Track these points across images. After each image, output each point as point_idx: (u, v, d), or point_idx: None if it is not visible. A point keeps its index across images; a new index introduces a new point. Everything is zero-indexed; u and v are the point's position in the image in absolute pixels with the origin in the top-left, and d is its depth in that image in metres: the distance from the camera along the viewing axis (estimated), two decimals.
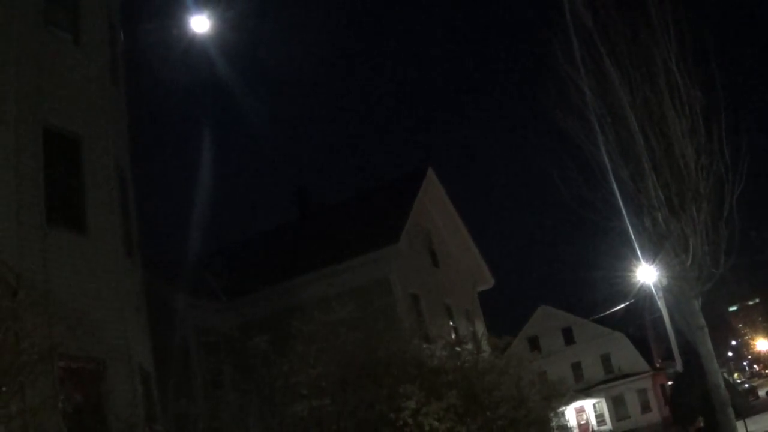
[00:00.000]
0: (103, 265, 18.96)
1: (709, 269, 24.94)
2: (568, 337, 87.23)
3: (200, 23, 24.12)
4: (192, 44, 25.47)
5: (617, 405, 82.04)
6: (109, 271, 19.15)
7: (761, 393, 77.99)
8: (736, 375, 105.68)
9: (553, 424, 28.23)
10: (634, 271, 35.03)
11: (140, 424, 17.53)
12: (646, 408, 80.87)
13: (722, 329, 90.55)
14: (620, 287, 36.96)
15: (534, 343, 79.78)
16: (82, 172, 19.15)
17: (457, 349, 25.54)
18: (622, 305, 57.61)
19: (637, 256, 28.63)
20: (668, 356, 68.29)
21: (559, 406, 29.72)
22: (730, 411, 25.21)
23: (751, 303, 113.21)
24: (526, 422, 23.41)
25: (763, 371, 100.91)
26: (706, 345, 25.26)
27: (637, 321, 72.75)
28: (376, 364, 21.23)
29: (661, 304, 41.40)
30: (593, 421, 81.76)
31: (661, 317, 44.01)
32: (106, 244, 19.28)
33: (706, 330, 25.25)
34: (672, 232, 25.13)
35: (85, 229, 18.74)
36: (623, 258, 30.62)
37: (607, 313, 68.95)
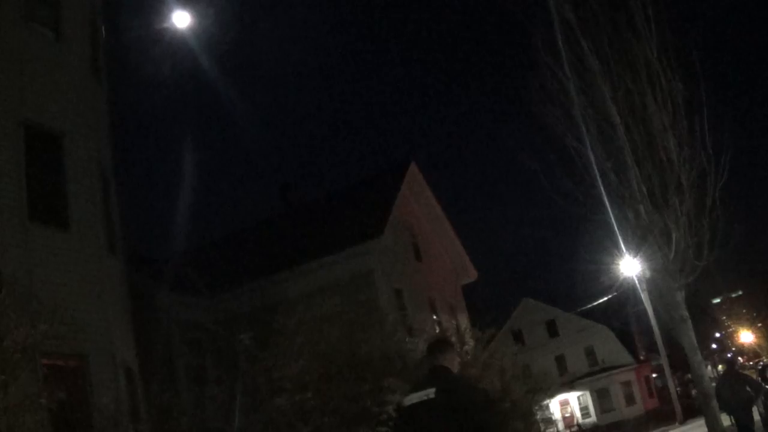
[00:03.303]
0: (86, 261, 18.95)
1: (692, 262, 25.00)
2: (552, 330, 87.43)
3: (181, 18, 24.09)
4: (174, 40, 25.43)
5: (602, 398, 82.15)
6: (92, 268, 19.13)
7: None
8: (720, 367, 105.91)
9: (538, 417, 28.31)
10: (618, 264, 35.09)
11: (124, 420, 17.50)
12: (630, 400, 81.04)
13: (706, 322, 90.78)
14: (604, 280, 37.02)
15: (518, 337, 79.82)
16: (63, 168, 19.12)
17: None
18: (606, 298, 57.75)
19: (621, 248, 28.69)
20: (652, 349, 68.54)
21: (544, 399, 29.77)
22: (715, 404, 25.27)
23: (734, 295, 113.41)
24: (510, 415, 23.45)
25: (746, 363, 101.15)
26: (689, 337, 25.31)
27: (621, 314, 72.97)
28: (360, 358, 21.24)
29: (644, 296, 41.51)
30: (578, 414, 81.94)
31: (644, 310, 44.12)
32: (88, 241, 19.25)
33: (689, 322, 25.31)
34: (655, 224, 25.18)
35: (67, 225, 18.73)
36: (607, 251, 30.64)
37: (591, 306, 69.16)
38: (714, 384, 25.83)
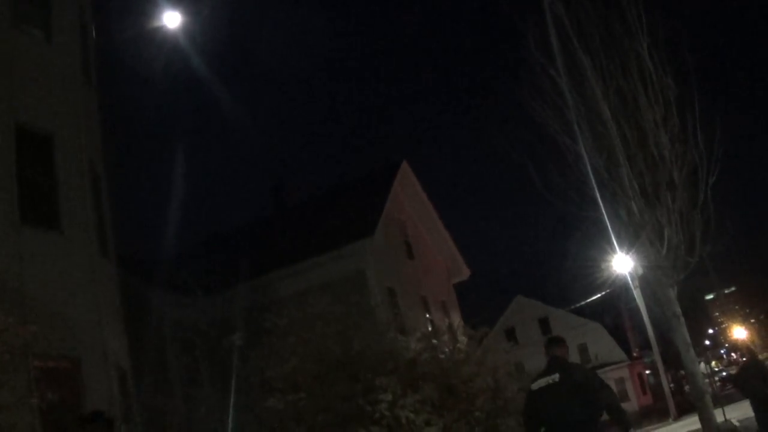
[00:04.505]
0: (78, 262, 18.93)
1: (684, 258, 25.03)
2: (545, 327, 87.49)
3: (172, 19, 24.06)
4: (164, 40, 25.40)
5: None
6: (84, 269, 19.11)
7: None
8: (714, 363, 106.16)
9: None
10: (610, 261, 35.11)
11: (117, 421, 17.47)
12: (623, 397, 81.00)
13: (699, 318, 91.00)
14: (596, 277, 37.06)
15: (511, 334, 79.95)
16: (54, 169, 19.09)
17: (434, 341, 25.56)
18: (599, 295, 57.93)
19: (613, 245, 28.69)
20: (645, 346, 68.61)
21: None
22: (708, 399, 25.31)
23: (727, 291, 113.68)
24: (503, 413, 23.45)
25: (740, 359, 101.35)
26: (681, 333, 25.33)
27: (614, 311, 73.10)
28: (352, 358, 21.25)
29: (637, 293, 41.55)
30: None
31: (637, 307, 44.14)
32: (80, 242, 19.23)
33: (682, 319, 25.32)
34: (647, 221, 25.20)
35: (59, 226, 18.70)
36: (599, 248, 30.67)
37: (584, 303, 69.33)
38: (708, 380, 25.90)
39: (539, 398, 10.65)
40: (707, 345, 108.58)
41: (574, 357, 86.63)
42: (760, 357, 29.87)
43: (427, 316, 40.04)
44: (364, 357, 21.44)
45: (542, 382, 10.69)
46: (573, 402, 10.25)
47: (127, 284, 24.97)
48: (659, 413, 61.71)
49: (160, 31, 24.58)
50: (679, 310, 25.31)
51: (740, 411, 27.65)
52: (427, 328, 34.27)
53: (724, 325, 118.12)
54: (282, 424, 20.15)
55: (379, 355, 21.96)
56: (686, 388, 52.78)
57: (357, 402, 20.21)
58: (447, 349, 24.59)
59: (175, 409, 21.81)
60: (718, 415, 26.64)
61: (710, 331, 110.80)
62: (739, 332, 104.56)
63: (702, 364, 46.86)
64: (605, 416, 10.68)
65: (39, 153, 18.87)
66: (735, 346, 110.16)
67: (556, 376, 10.56)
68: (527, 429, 11.13)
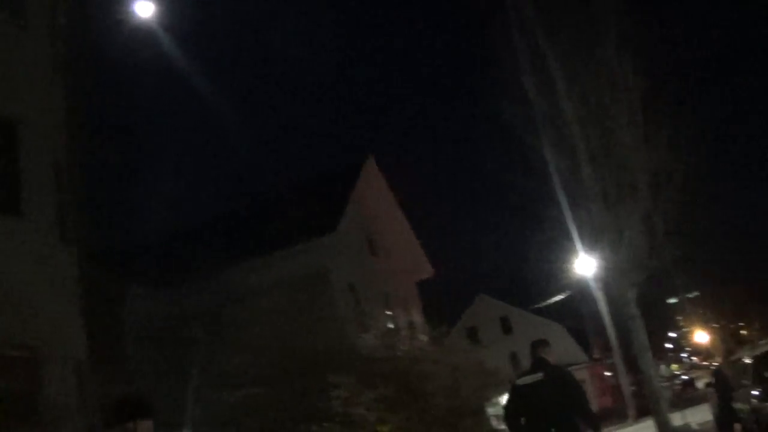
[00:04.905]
0: (38, 250, 18.79)
1: (643, 261, 25.17)
2: (507, 327, 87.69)
3: (144, 8, 23.95)
4: (137, 29, 25.27)
5: None
6: (44, 256, 18.97)
7: (699, 385, 78.93)
8: (675, 366, 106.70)
9: (490, 413, 28.33)
10: (573, 262, 35.22)
11: (74, 412, 17.39)
12: None
13: (662, 321, 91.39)
14: (560, 278, 37.20)
15: (472, 333, 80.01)
16: (17, 155, 18.98)
17: (393, 338, 25.57)
18: (560, 296, 58.06)
19: (576, 247, 28.81)
20: (608, 347, 68.89)
21: (496, 396, 29.80)
22: (663, 402, 25.49)
23: (691, 296, 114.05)
24: (460, 411, 23.49)
25: (701, 363, 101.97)
26: (639, 335, 25.50)
27: (576, 312, 73.27)
28: (309, 353, 21.24)
29: (598, 295, 41.71)
30: None
31: (599, 309, 44.28)
32: (40, 229, 19.09)
33: (640, 321, 25.49)
34: (608, 223, 25.33)
35: (19, 212, 18.57)
36: (562, 249, 30.80)
37: (545, 303, 69.44)
38: (664, 384, 26.12)
39: (524, 393, 11.83)
40: (668, 348, 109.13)
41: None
42: (723, 360, 30.12)
43: (389, 313, 39.99)
44: (322, 353, 21.42)
45: (527, 379, 11.91)
46: (555, 399, 11.37)
47: (90, 274, 24.86)
48: (619, 415, 62.01)
49: (133, 19, 24.48)
50: (636, 311, 25.47)
51: (700, 414, 27.89)
52: (388, 326, 34.27)
53: (686, 329, 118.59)
54: (234, 418, 20.12)
55: (337, 351, 21.95)
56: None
57: (311, 398, 20.21)
58: (405, 348, 24.60)
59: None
60: (679, 418, 26.82)
61: (672, 334, 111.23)
62: (700, 336, 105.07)
63: (662, 367, 46.92)
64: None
65: (3, 138, 18.77)
66: (697, 350, 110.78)
67: (540, 375, 11.70)
68: (508, 419, 12.10)
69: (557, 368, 12.35)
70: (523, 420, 11.79)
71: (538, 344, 12.54)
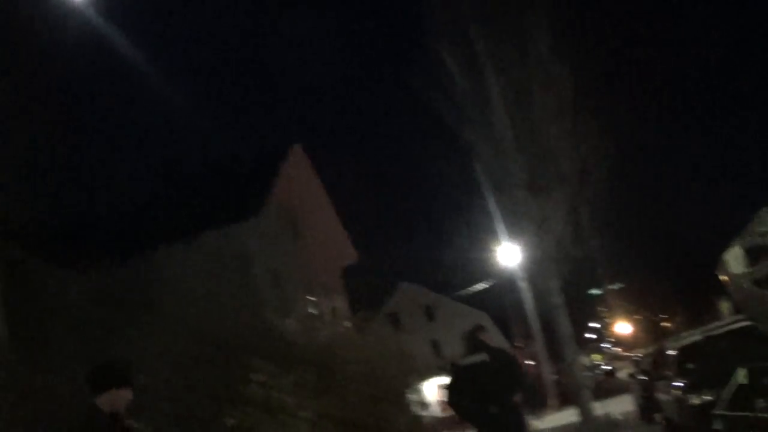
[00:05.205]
0: None
1: (567, 251, 25.17)
2: (430, 314, 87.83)
3: None
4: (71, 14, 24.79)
5: None
6: None
7: (621, 375, 79.66)
8: (596, 356, 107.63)
9: (412, 398, 28.22)
10: (497, 251, 35.24)
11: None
12: None
13: (584, 312, 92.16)
14: (484, 265, 37.25)
15: (395, 320, 79.99)
16: None
17: (315, 323, 25.38)
18: (484, 283, 58.21)
19: (500, 235, 28.78)
20: (528, 336, 69.21)
21: (417, 382, 29.70)
22: (586, 392, 25.54)
23: (614, 287, 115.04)
24: (382, 397, 23.33)
25: (623, 354, 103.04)
26: (562, 325, 25.51)
27: (501, 300, 73.53)
28: (230, 338, 20.96)
29: (521, 283, 41.79)
30: None
31: (523, 297, 44.40)
32: None
33: (563, 310, 25.49)
34: (532, 212, 25.30)
35: None
36: (487, 237, 30.79)
37: (469, 291, 69.57)
38: (586, 374, 26.25)
39: (466, 374, 12.46)
40: (590, 338, 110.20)
41: (458, 344, 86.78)
42: (646, 351, 30.29)
43: (312, 299, 39.83)
44: (242, 338, 21.16)
45: (470, 360, 12.56)
46: (497, 379, 12.07)
47: (7, 255, 24.37)
48: (540, 403, 62.31)
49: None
50: (560, 300, 25.49)
51: (622, 404, 28.04)
52: (310, 311, 34.08)
53: (608, 320, 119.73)
54: (150, 404, 19.78)
55: (257, 336, 21.70)
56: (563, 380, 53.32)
57: (231, 384, 19.95)
58: (327, 333, 24.43)
59: (52, 389, 21.31)
60: (597, 408, 26.90)
61: (596, 325, 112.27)
62: (623, 327, 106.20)
63: (584, 357, 47.24)
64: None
65: None
66: (619, 341, 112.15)
67: (484, 356, 12.38)
68: (451, 399, 12.70)
69: (499, 350, 13.50)
70: (465, 400, 12.31)
71: (476, 329, 13.37)
